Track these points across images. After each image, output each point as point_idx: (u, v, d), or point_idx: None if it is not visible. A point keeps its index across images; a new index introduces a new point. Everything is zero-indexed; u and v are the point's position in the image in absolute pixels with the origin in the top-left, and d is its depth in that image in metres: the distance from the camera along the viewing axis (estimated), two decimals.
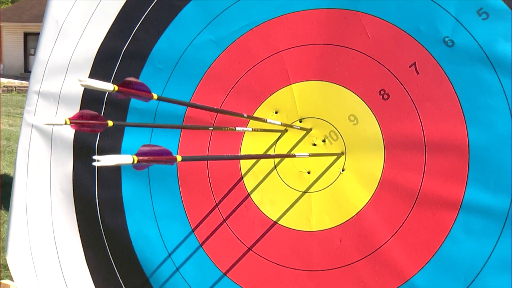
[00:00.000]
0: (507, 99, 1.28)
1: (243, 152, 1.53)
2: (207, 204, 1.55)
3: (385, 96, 1.36)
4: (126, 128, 1.80)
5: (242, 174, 1.51)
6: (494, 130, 1.26)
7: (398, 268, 1.29)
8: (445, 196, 1.31)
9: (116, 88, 0.97)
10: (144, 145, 0.88)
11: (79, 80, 0.89)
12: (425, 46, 1.33)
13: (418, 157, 1.31)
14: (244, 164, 1.52)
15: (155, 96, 1.03)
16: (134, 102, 1.78)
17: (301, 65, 1.47)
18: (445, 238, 1.28)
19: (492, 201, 1.22)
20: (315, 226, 1.41)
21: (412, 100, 1.34)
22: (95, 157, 0.81)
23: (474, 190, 1.25)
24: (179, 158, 0.96)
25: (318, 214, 1.40)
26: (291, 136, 1.46)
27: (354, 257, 1.35)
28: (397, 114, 1.35)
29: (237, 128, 1.39)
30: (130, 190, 1.73)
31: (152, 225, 1.66)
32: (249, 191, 1.48)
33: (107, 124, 1.00)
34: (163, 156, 0.90)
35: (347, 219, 1.37)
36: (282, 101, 1.48)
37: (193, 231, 1.57)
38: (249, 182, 1.49)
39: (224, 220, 1.52)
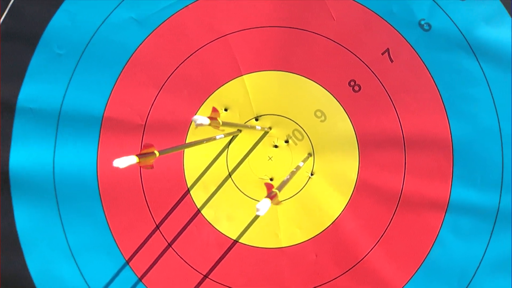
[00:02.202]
0: (490, 88, 1.41)
1: (187, 162, 1.48)
2: (145, 227, 1.48)
3: (356, 88, 1.41)
4: (14, 136, 1.65)
5: (189, 186, 1.47)
6: (478, 122, 1.37)
7: (385, 280, 1.38)
8: (430, 196, 1.41)
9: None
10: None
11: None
12: (399, 30, 1.40)
13: (397, 155, 1.40)
14: (191, 174, 1.47)
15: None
16: (25, 100, 1.63)
17: (253, 52, 1.46)
18: (434, 242, 1.39)
19: (480, 199, 1.35)
20: (285, 241, 1.43)
21: (386, 91, 1.41)
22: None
23: (461, 188, 1.37)
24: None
25: (287, 227, 1.43)
26: (246, 138, 1.46)
27: (333, 273, 1.40)
28: (371, 108, 1.41)
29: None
30: (27, 220, 1.56)
31: (67, 262, 1.53)
32: (199, 207, 1.45)
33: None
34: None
35: (322, 230, 1.42)
36: (233, 95, 1.46)
37: (127, 262, 1.49)
38: (198, 196, 1.46)
39: (169, 245, 1.47)
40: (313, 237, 1.42)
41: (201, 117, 1.06)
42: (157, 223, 1.49)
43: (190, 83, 1.48)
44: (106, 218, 1.52)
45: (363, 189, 1.41)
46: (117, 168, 0.96)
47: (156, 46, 1.53)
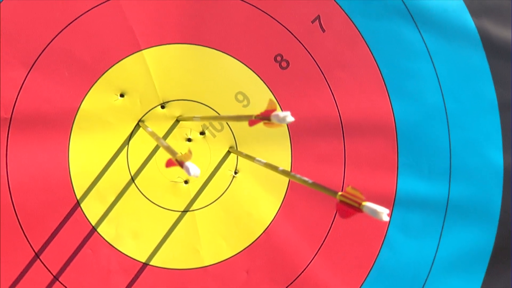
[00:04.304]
0: (432, 61, 1.48)
1: (74, 165, 1.35)
2: (20, 258, 1.33)
3: (284, 64, 1.42)
4: None
5: (78, 197, 1.34)
6: (422, 101, 1.46)
7: None
8: (375, 190, 1.45)
9: None
10: None
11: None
12: None
13: (335, 143, 1.43)
14: (80, 181, 1.35)
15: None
16: None
17: (154, 20, 1.38)
18: (382, 244, 1.45)
19: (429, 190, 1.44)
20: (208, 259, 1.39)
21: (319, 67, 1.43)
22: None
23: (407, 179, 1.45)
24: None
25: (209, 241, 1.39)
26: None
27: None
28: (302, 88, 1.42)
29: None
30: None
31: None
32: (94, 224, 1.35)
33: None
34: None
35: (252, 240, 1.40)
36: (130, 76, 1.37)
37: None
38: (92, 209, 1.35)
39: (56, 278, 1.34)
40: (243, 250, 1.41)
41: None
42: (36, 251, 1.35)
43: (72, 61, 1.35)
44: None
45: (298, 187, 1.41)
46: None
47: (20, 11, 1.40)
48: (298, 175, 1.05)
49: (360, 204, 0.87)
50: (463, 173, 1.53)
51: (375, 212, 0.84)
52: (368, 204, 0.86)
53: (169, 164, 0.97)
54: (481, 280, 1.56)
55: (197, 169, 0.92)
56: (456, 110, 1.50)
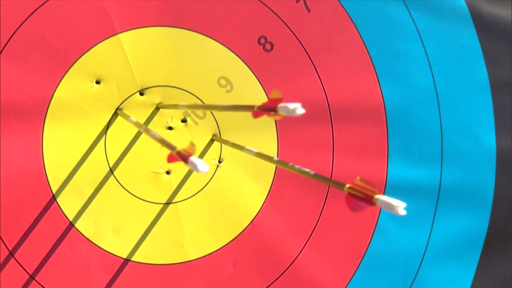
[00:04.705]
0: (422, 41, 1.47)
1: (49, 157, 1.31)
2: None
3: (268, 46, 1.40)
4: None
5: (54, 191, 1.31)
6: (412, 83, 1.45)
7: (322, 285, 1.40)
8: (364, 177, 1.45)
9: None
10: None
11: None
12: None
13: (323, 129, 1.42)
14: (56, 173, 1.32)
15: None
16: None
17: (130, 2, 1.35)
18: (373, 233, 1.46)
19: (420, 176, 1.44)
20: (193, 253, 1.38)
21: (305, 50, 1.42)
22: None
23: (398, 164, 1.44)
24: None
25: (194, 234, 1.38)
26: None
27: (258, 285, 1.39)
28: (287, 71, 1.41)
29: None
30: None
31: None
32: (71, 219, 1.32)
33: None
34: None
35: (239, 232, 1.39)
36: (106, 62, 1.34)
37: None
38: (69, 203, 1.32)
39: (32, 277, 1.31)
40: (229, 242, 1.39)
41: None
42: (10, 249, 1.32)
43: (43, 47, 1.32)
44: None
45: (285, 176, 1.40)
46: None
47: None
48: (297, 166, 1.03)
49: (372, 197, 0.84)
50: (455, 157, 1.53)
51: (390, 206, 0.81)
52: (381, 197, 0.83)
53: (171, 159, 0.93)
54: (475, 267, 1.57)
55: (205, 165, 0.87)
56: (447, 91, 1.50)
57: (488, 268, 1.56)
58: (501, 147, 1.56)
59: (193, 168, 0.86)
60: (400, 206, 0.80)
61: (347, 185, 0.88)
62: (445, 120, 1.49)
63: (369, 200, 0.84)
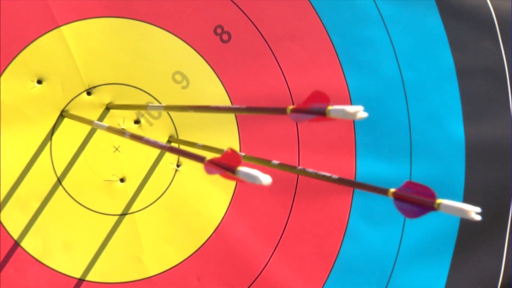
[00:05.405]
0: (386, 28, 1.47)
1: None
2: None
3: (225, 37, 1.39)
4: None
5: None
6: (377, 72, 1.46)
7: None
8: (333, 175, 1.45)
9: None
10: None
11: None
12: None
13: (287, 124, 1.41)
14: None
15: None
16: None
17: None
18: (344, 235, 1.45)
19: (390, 171, 1.45)
20: (153, 268, 1.35)
21: (264, 39, 1.41)
22: None
23: (366, 160, 1.45)
24: None
25: (153, 247, 1.35)
26: (76, 122, 1.31)
27: None
28: (247, 63, 1.40)
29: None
30: None
31: None
32: (16, 238, 1.27)
33: None
34: None
35: (203, 242, 1.38)
36: (48, 59, 1.29)
37: None
38: (12, 220, 1.27)
39: None
40: (192, 254, 1.37)
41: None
42: None
43: None
44: None
45: None
46: None
47: None
48: (321, 172, 0.95)
49: (435, 203, 0.79)
50: (424, 150, 1.55)
51: (461, 211, 0.78)
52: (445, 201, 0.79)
53: (209, 170, 0.84)
54: (449, 265, 1.61)
55: (265, 176, 0.76)
56: (413, 80, 1.51)
57: (462, 265, 1.59)
58: (470, 137, 1.59)
59: (251, 180, 0.77)
60: (473, 211, 0.77)
61: (392, 190, 0.83)
62: (413, 111, 1.51)
63: (425, 202, 0.80)
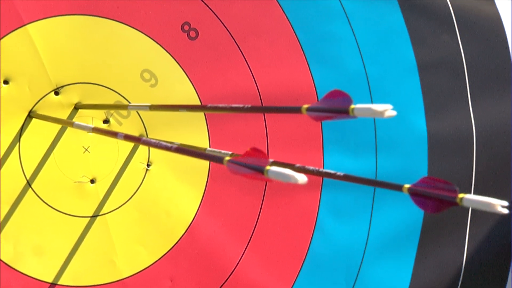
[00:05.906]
0: (349, 22, 1.49)
1: None
2: None
3: (192, 34, 1.39)
4: None
5: None
6: (342, 66, 1.49)
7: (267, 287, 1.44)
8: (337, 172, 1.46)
9: None
10: None
11: None
12: None
13: (256, 121, 1.43)
14: None
15: None
16: None
17: None
18: (313, 229, 1.47)
19: (356, 166, 1.48)
20: (126, 270, 1.34)
21: (232, 36, 1.42)
22: None
23: (333, 156, 1.48)
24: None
25: (126, 248, 1.34)
26: (45, 122, 1.28)
27: None
28: (214, 60, 1.40)
29: None
30: None
31: None
32: None
33: None
34: None
35: (174, 243, 1.38)
36: (13, 58, 1.27)
37: None
38: None
39: None
40: (164, 255, 1.37)
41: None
42: None
43: None
44: None
45: (219, 175, 1.40)
46: None
47: None
48: (335, 171, 0.91)
49: (456, 197, 0.77)
50: (388, 144, 1.58)
51: (487, 204, 0.75)
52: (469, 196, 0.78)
53: (233, 171, 0.80)
54: (414, 257, 1.64)
55: (300, 175, 0.72)
56: (376, 74, 1.54)
57: (426, 258, 1.62)
58: (431, 130, 1.63)
59: (284, 180, 0.73)
60: (499, 205, 0.73)
61: (406, 186, 0.81)
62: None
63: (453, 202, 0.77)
